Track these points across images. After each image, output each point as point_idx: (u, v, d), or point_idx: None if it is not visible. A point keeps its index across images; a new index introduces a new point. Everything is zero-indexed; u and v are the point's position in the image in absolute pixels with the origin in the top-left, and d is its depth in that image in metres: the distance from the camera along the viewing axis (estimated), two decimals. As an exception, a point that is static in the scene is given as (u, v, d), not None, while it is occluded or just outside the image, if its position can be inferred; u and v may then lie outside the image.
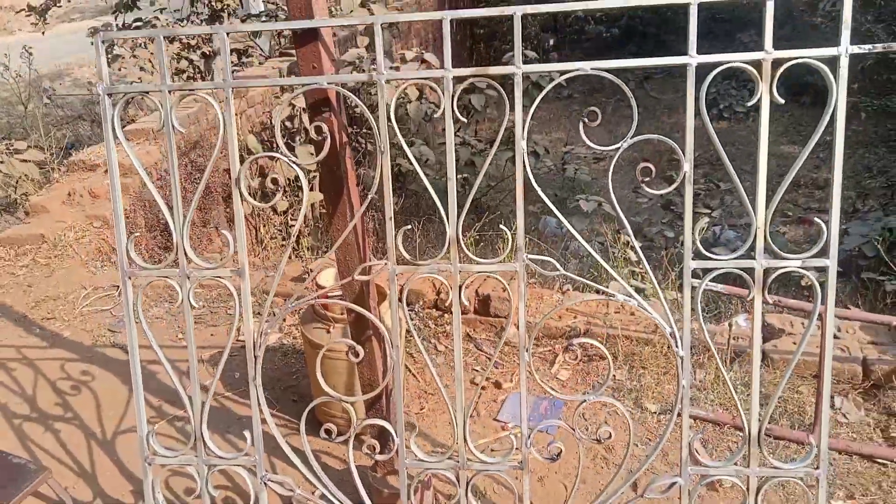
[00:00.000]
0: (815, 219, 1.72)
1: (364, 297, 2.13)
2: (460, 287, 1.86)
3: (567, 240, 6.41)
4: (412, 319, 3.58)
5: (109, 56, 7.39)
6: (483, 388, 3.15)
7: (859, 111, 9.07)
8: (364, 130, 6.66)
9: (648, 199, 7.01)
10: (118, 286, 4.01)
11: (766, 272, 1.79)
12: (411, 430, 2.93)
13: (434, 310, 3.62)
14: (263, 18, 8.57)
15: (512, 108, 1.76)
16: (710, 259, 1.79)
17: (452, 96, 1.78)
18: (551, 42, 13.94)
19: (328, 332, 2.69)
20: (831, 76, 1.66)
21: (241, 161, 1.88)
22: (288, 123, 6.14)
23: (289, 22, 1.81)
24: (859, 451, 2.71)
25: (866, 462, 2.69)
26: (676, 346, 1.84)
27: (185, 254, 1.91)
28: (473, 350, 3.43)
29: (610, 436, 1.91)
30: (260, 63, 8.07)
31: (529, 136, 10.51)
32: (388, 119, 1.80)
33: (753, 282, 1.78)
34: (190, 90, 1.85)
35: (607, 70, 1.72)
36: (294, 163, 1.84)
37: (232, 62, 7.79)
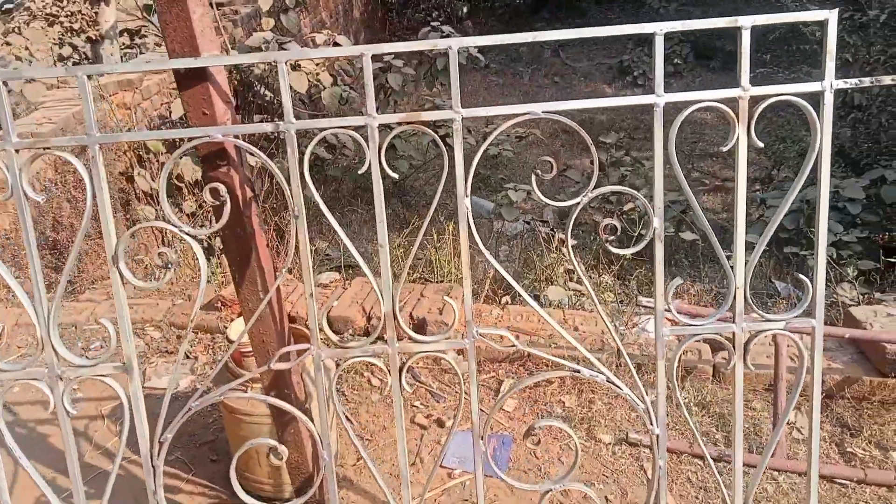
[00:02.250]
0: (800, 276, 1.51)
1: (284, 379, 1.80)
2: (400, 369, 1.57)
3: (494, 219, 6.14)
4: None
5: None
6: (424, 428, 2.88)
7: (770, 77, 9.18)
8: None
9: (576, 181, 6.87)
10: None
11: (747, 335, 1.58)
12: (348, 485, 2.65)
13: (364, 336, 3.31)
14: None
15: (451, 164, 1.46)
16: (686, 325, 1.56)
17: (380, 148, 1.46)
18: (465, 10, 13.58)
19: (245, 391, 2.34)
20: (814, 113, 1.44)
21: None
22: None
23: (168, 61, 1.43)
24: (819, 472, 2.60)
25: (826, 483, 2.60)
26: (651, 424, 1.61)
27: (55, 351, 1.53)
28: (411, 381, 3.15)
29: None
30: (157, 45, 7.37)
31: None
32: (302, 175, 1.46)
33: (734, 347, 1.57)
34: (45, 148, 1.45)
35: (558, 112, 1.44)
36: (187, 233, 1.48)
37: (123, 44, 7.07)
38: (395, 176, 1.47)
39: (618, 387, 1.62)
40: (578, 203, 1.50)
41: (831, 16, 1.40)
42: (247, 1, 7.99)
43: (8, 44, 6.75)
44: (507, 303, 3.64)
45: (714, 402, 2.93)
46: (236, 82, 6.19)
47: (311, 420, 1.72)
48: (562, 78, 11.61)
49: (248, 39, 6.04)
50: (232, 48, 6.65)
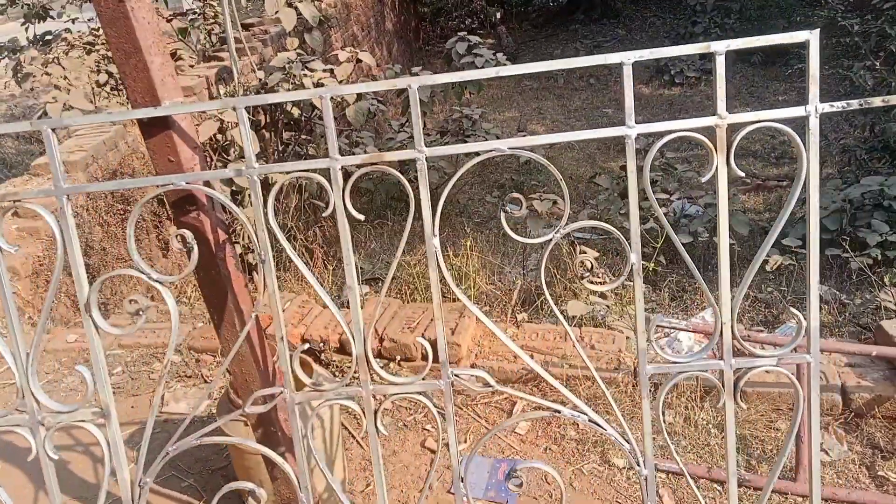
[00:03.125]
0: (792, 309, 1.42)
1: (269, 417, 1.79)
2: (375, 413, 1.54)
3: (528, 229, 6.02)
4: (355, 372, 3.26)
5: (19, 75, 6.79)
6: (434, 452, 2.84)
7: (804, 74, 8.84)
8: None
9: (605, 187, 6.73)
10: None
11: (737, 372, 1.49)
12: (356, 513, 2.63)
13: (378, 358, 3.29)
14: (191, 16, 7.99)
15: (417, 206, 1.42)
16: (672, 363, 1.49)
17: (344, 187, 1.44)
18: (498, 16, 13.54)
19: (246, 424, 2.35)
20: (799, 140, 1.35)
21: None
22: (219, 136, 5.70)
23: (130, 112, 1.44)
24: (847, 498, 2.48)
25: (854, 510, 2.46)
26: (638, 466, 1.54)
27: (35, 398, 1.55)
28: (422, 405, 3.11)
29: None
30: (191, 66, 7.54)
31: (483, 118, 10.17)
32: (267, 223, 1.45)
33: (722, 385, 1.49)
34: (15, 201, 1.47)
35: (523, 147, 1.39)
36: (156, 280, 1.49)
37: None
38: (361, 217, 1.44)
39: (601, 427, 1.55)
40: (551, 240, 1.45)
41: (812, 37, 1.32)
42: (276, 21, 8.11)
43: (48, 73, 6.99)
44: (523, 320, 3.58)
45: (736, 423, 2.81)
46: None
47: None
48: (597, 80, 11.44)
49: (273, 60, 6.12)
50: (259, 68, 6.75)
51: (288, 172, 1.46)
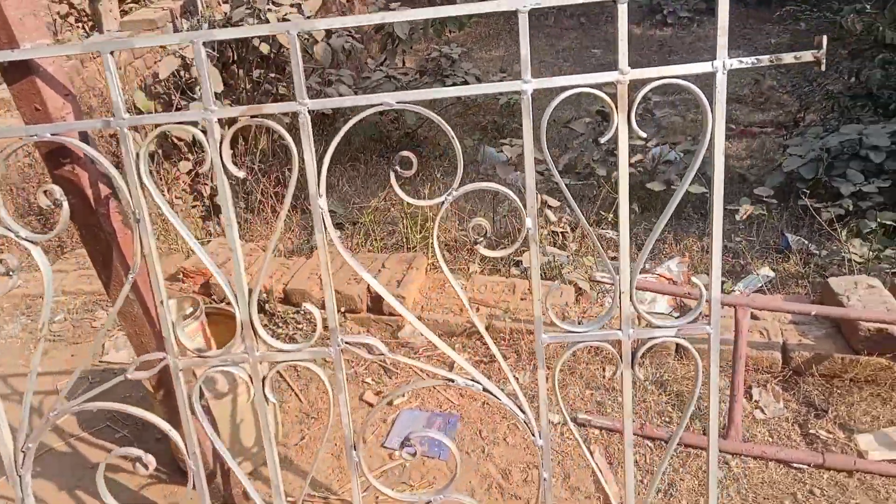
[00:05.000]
0: (694, 279, 1.36)
1: (169, 377, 1.73)
2: (263, 380, 1.48)
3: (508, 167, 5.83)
4: (299, 323, 3.21)
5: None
6: (371, 405, 2.82)
7: (796, 16, 8.58)
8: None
9: (581, 132, 6.58)
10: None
11: (637, 342, 1.44)
12: (288, 465, 2.62)
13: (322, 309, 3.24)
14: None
15: (301, 158, 1.33)
16: (568, 332, 1.43)
17: (222, 140, 1.34)
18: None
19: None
20: (704, 98, 1.26)
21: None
22: (185, 73, 5.50)
23: (-17, 55, 1.32)
24: (775, 455, 2.47)
25: (782, 468, 2.46)
26: (533, 435, 1.50)
27: None
28: (363, 357, 3.07)
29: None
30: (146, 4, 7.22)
31: (465, 57, 9.86)
32: (140, 178, 1.35)
33: (620, 356, 1.43)
34: None
35: (410, 102, 1.29)
36: (25, 239, 1.40)
37: (119, -1, 6.93)
38: (241, 175, 1.35)
39: (495, 396, 1.51)
40: (443, 203, 1.36)
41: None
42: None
43: None
44: (474, 272, 3.52)
45: (674, 379, 2.80)
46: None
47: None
48: (588, 19, 11.10)
49: (236, -8, 5.84)
50: (224, 2, 6.47)
51: (159, 125, 1.35)
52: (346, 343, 1.45)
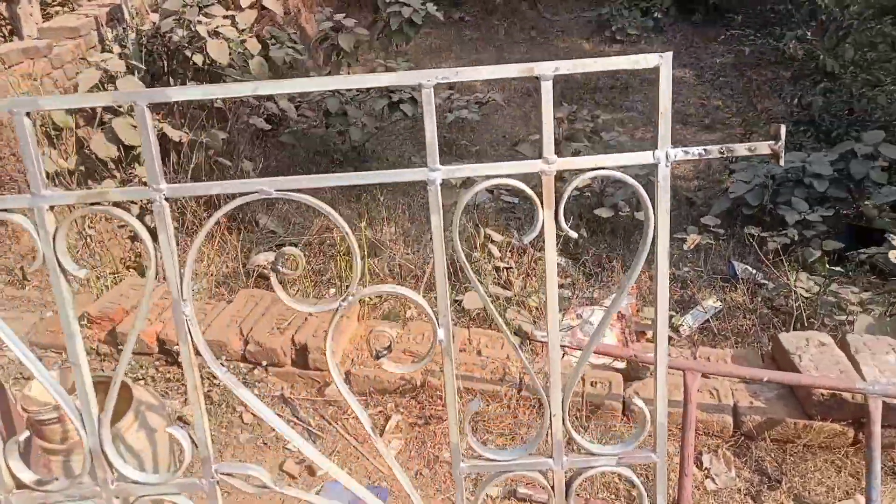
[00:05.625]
0: (636, 401, 1.14)
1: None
2: (122, 515, 1.20)
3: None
4: (215, 378, 2.92)
5: None
6: (294, 477, 2.54)
7: (741, 40, 8.62)
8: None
9: (528, 157, 6.42)
10: None
11: (570, 473, 1.22)
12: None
13: (242, 362, 2.95)
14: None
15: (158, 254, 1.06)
16: (489, 461, 1.20)
17: (56, 232, 1.06)
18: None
19: (48, 470, 1.99)
20: (644, 193, 1.05)
21: None
22: (109, 86, 5.12)
23: None
24: (727, 535, 2.30)
25: (734, 549, 2.29)
26: (449, 576, 1.27)
27: None
28: (289, 416, 2.80)
29: None
30: (78, 4, 6.77)
31: (417, 65, 9.59)
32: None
33: (552, 488, 1.21)
34: None
35: (290, 190, 1.05)
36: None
37: (49, 2, 6.48)
38: (81, 273, 1.08)
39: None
40: (337, 308, 1.12)
41: (663, 61, 1.00)
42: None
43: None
44: (410, 318, 3.28)
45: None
46: (159, 46, 5.66)
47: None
48: (539, 32, 11.02)
49: (166, 2, 5.50)
50: (154, 9, 6.10)
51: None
52: (222, 474, 1.19)
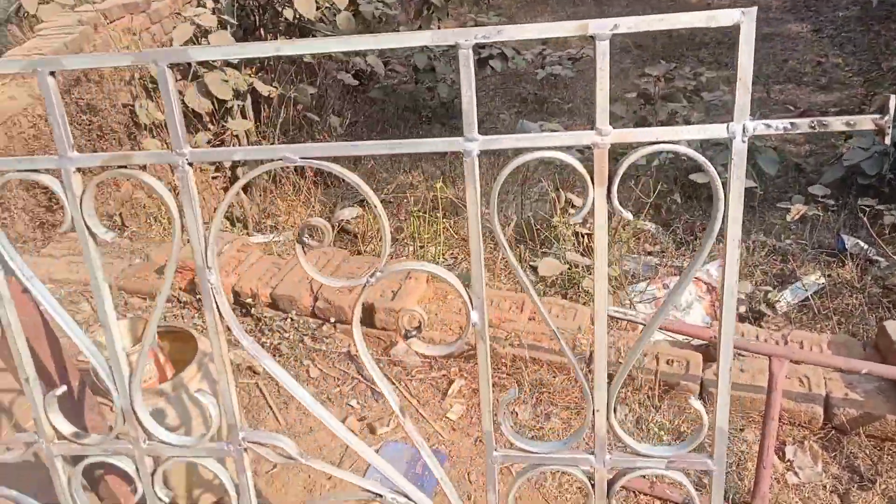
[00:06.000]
0: (693, 402, 1.02)
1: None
2: (153, 475, 1.21)
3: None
4: (286, 331, 2.96)
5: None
6: (354, 433, 2.55)
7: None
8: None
9: (621, 116, 6.08)
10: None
11: (613, 472, 1.12)
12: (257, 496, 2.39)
13: (311, 318, 2.98)
14: None
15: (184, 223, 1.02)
16: (524, 452, 1.12)
17: (83, 196, 1.05)
18: None
19: (112, 410, 2.06)
20: (713, 173, 0.91)
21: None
22: (203, 40, 5.22)
23: None
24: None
25: (812, 549, 2.12)
26: (480, 567, 1.21)
27: None
28: (352, 375, 2.81)
29: None
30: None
31: (511, 20, 9.27)
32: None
33: (592, 488, 1.12)
34: None
35: (316, 158, 0.98)
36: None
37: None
38: (108, 237, 1.06)
39: (433, 520, 1.20)
40: (364, 285, 1.05)
41: (746, 18, 0.84)
42: None
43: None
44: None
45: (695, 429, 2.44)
46: (250, 1, 5.72)
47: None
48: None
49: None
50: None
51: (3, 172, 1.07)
52: (251, 443, 1.17)
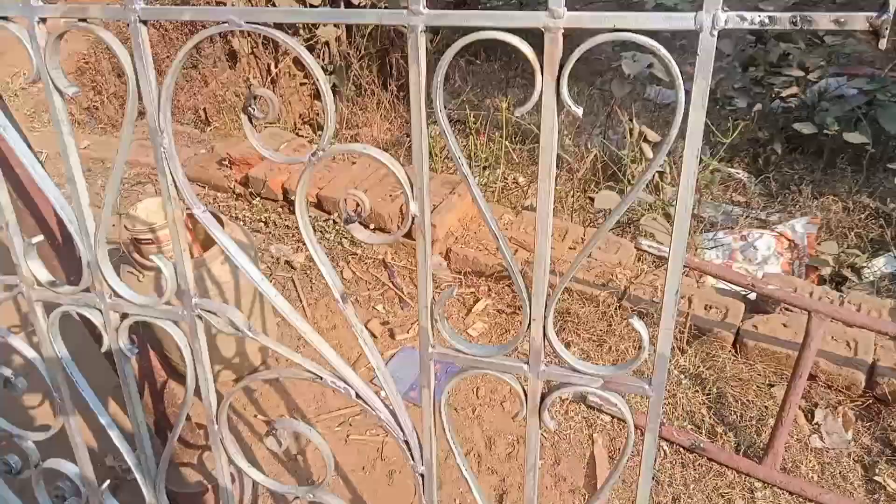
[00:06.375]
0: (634, 322, 0.95)
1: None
2: (117, 331, 1.27)
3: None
4: (327, 231, 3.01)
5: None
6: (375, 336, 2.61)
7: None
8: None
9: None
10: None
11: (548, 386, 1.08)
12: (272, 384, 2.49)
13: (320, 211, 2.99)
14: None
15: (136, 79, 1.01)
16: (459, 352, 1.09)
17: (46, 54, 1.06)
18: None
19: (139, 280, 2.19)
20: (675, 69, 0.82)
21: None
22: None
23: None
24: (818, 498, 2.00)
25: (822, 516, 2.00)
26: (413, 461, 1.21)
27: None
28: (383, 281, 2.83)
29: None
30: None
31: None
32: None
33: (524, 397, 1.08)
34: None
35: (261, 23, 0.94)
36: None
37: None
38: (72, 91, 1.07)
39: (370, 407, 1.20)
40: (308, 162, 1.02)
41: None
42: None
43: None
44: (526, 207, 3.10)
45: (719, 378, 2.32)
46: None
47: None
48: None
49: None
50: None
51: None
52: (203, 310, 1.19)
